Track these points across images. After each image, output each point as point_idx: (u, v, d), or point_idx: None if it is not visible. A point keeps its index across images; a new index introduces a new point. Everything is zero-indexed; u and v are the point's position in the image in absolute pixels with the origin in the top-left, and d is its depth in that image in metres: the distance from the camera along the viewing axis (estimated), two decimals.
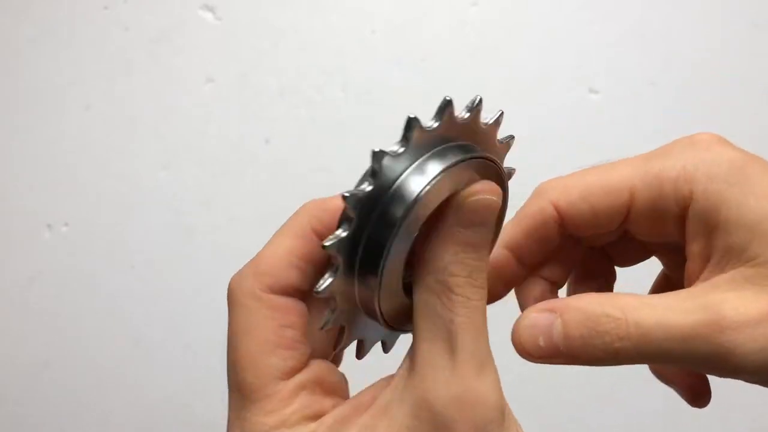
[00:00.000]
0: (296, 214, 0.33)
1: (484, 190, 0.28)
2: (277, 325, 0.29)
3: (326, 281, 0.27)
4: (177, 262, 0.90)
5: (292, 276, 0.30)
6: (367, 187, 0.27)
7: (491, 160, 0.30)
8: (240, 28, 0.90)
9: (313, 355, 0.30)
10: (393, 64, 0.87)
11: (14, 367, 0.92)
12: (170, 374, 0.90)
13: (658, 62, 0.85)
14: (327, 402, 0.29)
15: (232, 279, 0.32)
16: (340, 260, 0.27)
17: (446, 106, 0.28)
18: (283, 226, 0.32)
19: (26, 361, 0.92)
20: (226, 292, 0.32)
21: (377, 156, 0.27)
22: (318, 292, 0.27)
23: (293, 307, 0.30)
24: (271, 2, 0.90)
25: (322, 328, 0.29)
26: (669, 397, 0.38)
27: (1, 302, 0.92)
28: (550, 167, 0.81)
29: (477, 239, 0.28)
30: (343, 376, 0.32)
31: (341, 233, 0.27)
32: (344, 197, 0.27)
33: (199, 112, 0.90)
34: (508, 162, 0.33)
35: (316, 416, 0.28)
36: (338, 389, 0.31)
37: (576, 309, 0.30)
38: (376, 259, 0.27)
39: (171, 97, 0.90)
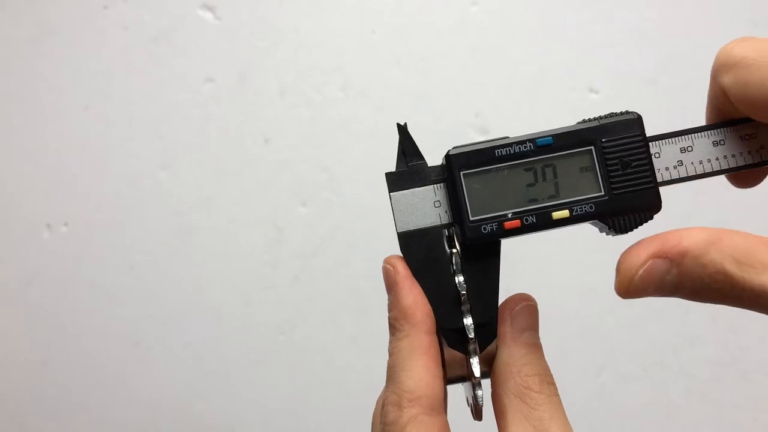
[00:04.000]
0: (404, 330, 0.34)
1: (523, 299, 0.34)
2: None
3: (481, 397, 0.33)
4: (177, 262, 0.90)
5: (441, 387, 0.32)
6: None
7: None
8: (240, 28, 0.90)
9: None
10: (393, 64, 0.87)
11: (13, 366, 0.92)
12: (170, 374, 0.90)
13: (657, 62, 0.85)
14: None
15: (386, 407, 0.33)
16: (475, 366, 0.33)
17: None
18: (402, 348, 0.33)
19: (26, 360, 0.92)
20: (381, 420, 0.33)
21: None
22: (477, 397, 0.33)
23: (448, 427, 0.32)
24: (271, 2, 0.90)
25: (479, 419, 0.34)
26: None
27: (0, 302, 0.92)
28: None
29: (534, 340, 0.33)
30: None
31: (476, 363, 0.33)
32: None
33: (199, 112, 0.90)
34: None
35: None
36: None
37: (693, 259, 0.30)
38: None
39: (171, 97, 0.90)
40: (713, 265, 0.29)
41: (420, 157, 0.35)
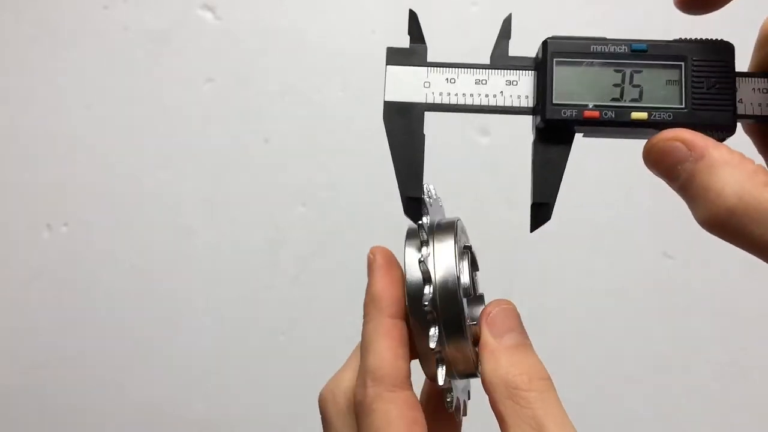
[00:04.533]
0: (371, 315, 0.35)
1: (494, 306, 0.34)
2: (410, 422, 0.32)
3: (435, 337, 0.33)
4: (177, 262, 0.90)
5: (402, 367, 0.33)
6: (430, 289, 0.34)
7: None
8: (240, 28, 0.90)
9: None
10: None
11: (14, 366, 0.92)
12: (170, 374, 0.90)
13: None
14: None
15: (335, 390, 0.36)
16: (434, 314, 0.34)
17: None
18: (368, 332, 0.35)
19: (26, 360, 0.92)
20: (331, 402, 0.36)
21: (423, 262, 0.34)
22: (432, 348, 0.33)
23: (414, 401, 0.33)
24: (271, 2, 0.90)
25: (442, 386, 0.34)
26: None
27: (1, 302, 0.92)
28: None
29: (516, 340, 0.33)
30: None
31: (428, 292, 0.34)
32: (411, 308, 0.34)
33: (199, 112, 0.90)
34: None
35: None
36: None
37: (706, 168, 0.31)
38: (458, 317, 0.34)
39: (171, 97, 0.90)
40: (719, 181, 0.30)
41: (423, 41, 0.39)
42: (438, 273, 0.34)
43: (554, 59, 0.35)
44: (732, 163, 0.30)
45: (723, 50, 0.35)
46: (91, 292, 0.90)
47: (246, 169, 0.89)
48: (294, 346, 0.88)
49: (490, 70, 0.37)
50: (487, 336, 0.34)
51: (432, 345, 0.33)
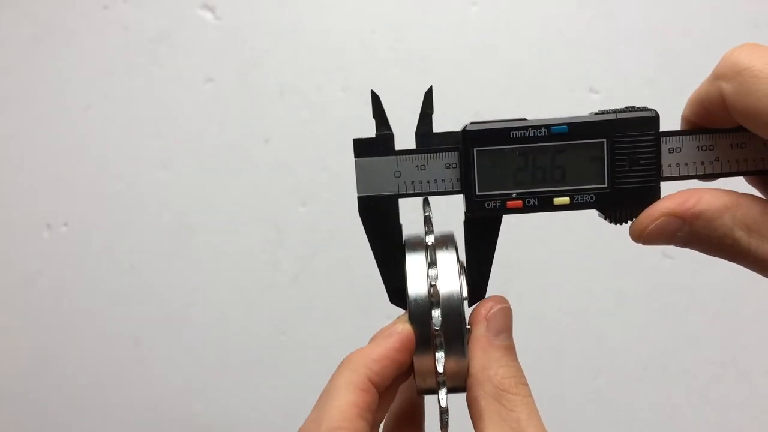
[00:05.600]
0: (346, 369, 0.34)
1: (496, 302, 0.34)
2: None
3: (445, 398, 0.34)
4: (177, 262, 0.90)
5: (361, 428, 0.31)
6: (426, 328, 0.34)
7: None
8: (240, 28, 0.90)
9: None
10: (393, 64, 0.87)
11: (14, 366, 0.92)
12: (170, 374, 0.90)
13: (657, 61, 0.85)
14: None
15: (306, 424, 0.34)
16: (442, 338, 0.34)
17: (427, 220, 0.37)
18: (336, 380, 0.33)
19: (26, 360, 0.92)
20: None
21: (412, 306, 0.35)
22: (443, 407, 0.33)
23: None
24: (271, 2, 0.90)
25: (445, 430, 0.34)
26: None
27: (1, 302, 0.92)
28: None
29: (509, 342, 0.34)
30: None
31: (440, 358, 0.34)
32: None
33: (199, 112, 0.90)
34: None
35: None
36: None
37: (705, 222, 0.31)
38: (461, 346, 0.34)
39: (171, 97, 0.90)
40: (723, 229, 0.31)
41: (388, 127, 0.37)
42: (443, 296, 0.34)
43: (474, 149, 0.35)
44: (730, 206, 0.31)
45: (647, 122, 0.34)
46: (91, 292, 0.91)
47: (246, 169, 0.89)
48: (294, 346, 0.88)
49: (428, 155, 0.36)
50: (482, 331, 0.34)
51: (440, 369, 0.33)
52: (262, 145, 0.89)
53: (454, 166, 0.36)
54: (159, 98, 0.91)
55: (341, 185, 0.88)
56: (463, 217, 0.36)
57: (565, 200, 0.34)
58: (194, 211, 0.90)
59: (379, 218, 0.36)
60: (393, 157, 0.36)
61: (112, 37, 0.91)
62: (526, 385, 0.33)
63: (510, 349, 0.34)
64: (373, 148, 0.37)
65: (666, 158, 0.34)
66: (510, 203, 0.35)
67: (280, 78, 0.89)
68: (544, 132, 0.34)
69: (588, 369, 0.85)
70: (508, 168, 0.35)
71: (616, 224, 0.35)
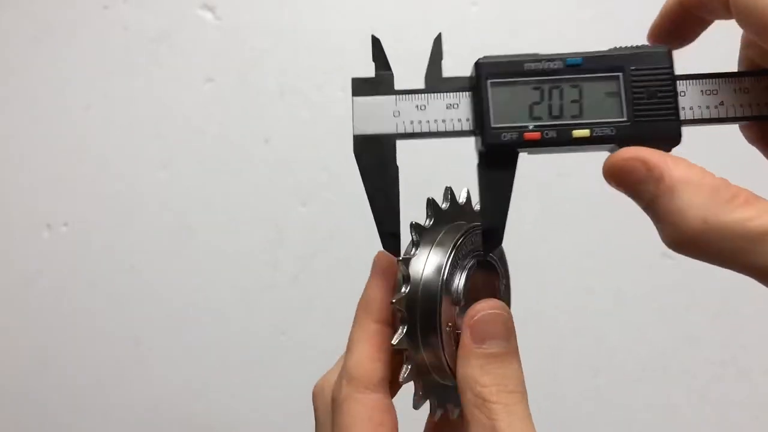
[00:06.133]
0: (358, 318, 0.37)
1: (484, 308, 0.33)
2: (376, 424, 0.33)
3: (399, 335, 0.34)
4: (177, 262, 0.90)
5: (378, 369, 0.34)
6: (406, 288, 0.34)
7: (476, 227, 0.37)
8: (240, 28, 0.90)
9: None
10: (393, 64, 0.87)
11: (14, 366, 0.92)
12: (170, 374, 0.90)
13: None
14: None
15: (324, 385, 0.37)
16: (406, 314, 0.34)
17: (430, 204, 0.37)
18: (353, 333, 0.36)
19: (26, 360, 0.92)
20: (320, 396, 0.38)
21: (404, 262, 0.35)
22: (394, 345, 0.34)
23: (384, 404, 0.34)
24: (271, 2, 0.90)
25: (400, 381, 0.34)
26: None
27: (1, 302, 0.92)
28: (550, 166, 0.81)
29: (495, 350, 0.32)
30: None
31: (403, 291, 0.34)
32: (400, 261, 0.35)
33: (199, 112, 0.90)
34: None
35: None
36: None
37: (667, 189, 0.30)
38: (432, 320, 0.34)
39: (171, 97, 0.90)
40: (686, 210, 0.29)
41: (388, 68, 0.37)
42: (424, 274, 0.34)
43: (488, 81, 0.34)
44: (693, 181, 0.29)
45: (660, 57, 0.34)
46: (91, 292, 0.91)
47: (246, 169, 0.89)
48: (294, 346, 0.88)
49: (429, 95, 0.36)
50: (465, 339, 0.33)
51: (393, 341, 0.33)
52: (262, 145, 0.89)
53: (455, 106, 0.35)
54: (159, 98, 0.91)
55: (341, 185, 0.88)
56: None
57: (585, 132, 0.33)
58: (194, 211, 0.90)
59: (375, 159, 0.35)
60: (392, 97, 0.36)
61: (112, 37, 0.91)
62: (516, 392, 0.32)
63: (496, 356, 0.32)
64: (373, 87, 0.36)
65: (690, 100, 0.33)
66: (527, 135, 0.33)
67: (280, 78, 0.89)
68: (559, 64, 0.34)
69: (587, 368, 0.85)
70: (524, 102, 0.34)
71: None
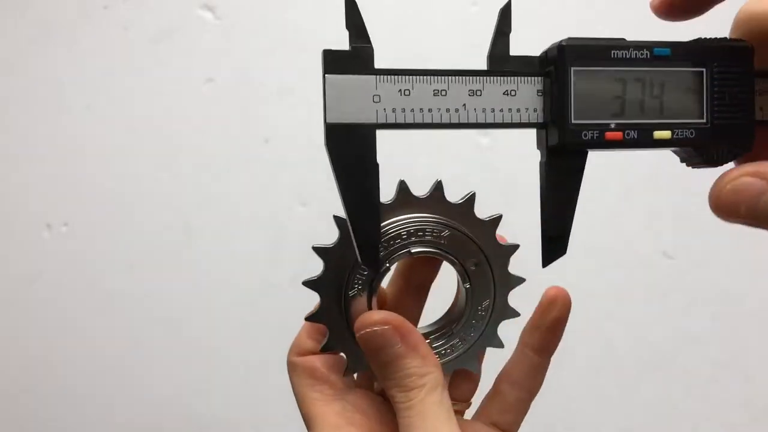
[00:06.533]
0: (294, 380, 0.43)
1: (364, 326, 0.35)
2: (308, 377, 0.40)
3: (314, 309, 0.36)
4: (177, 262, 0.90)
5: (310, 344, 0.41)
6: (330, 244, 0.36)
7: (442, 222, 0.36)
8: (240, 28, 0.90)
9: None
10: (393, 64, 0.87)
11: (14, 366, 0.92)
12: (170, 374, 0.90)
13: None
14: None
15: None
16: (322, 292, 0.36)
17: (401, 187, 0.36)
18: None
19: (26, 360, 0.92)
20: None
21: (338, 220, 0.35)
22: (306, 318, 0.37)
23: (315, 359, 0.40)
24: (271, 2, 0.90)
25: (321, 350, 0.38)
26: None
27: (1, 302, 0.92)
28: None
29: (385, 359, 0.34)
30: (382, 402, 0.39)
31: (315, 276, 0.36)
32: (314, 248, 0.37)
33: (199, 112, 0.90)
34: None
35: None
36: (374, 417, 0.38)
37: None
38: (342, 289, 0.35)
39: (171, 97, 0.90)
40: None
41: (367, 39, 0.31)
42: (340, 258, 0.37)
43: (572, 68, 0.30)
44: None
45: (743, 54, 0.31)
46: (91, 292, 0.90)
47: (246, 169, 0.89)
48: None
49: (484, 77, 0.32)
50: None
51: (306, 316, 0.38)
52: (262, 145, 0.89)
53: (512, 93, 0.31)
54: (159, 98, 0.91)
55: None
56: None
57: (666, 134, 0.31)
58: (194, 211, 0.90)
59: (351, 153, 0.30)
60: (372, 77, 0.30)
61: (112, 37, 0.91)
62: (414, 388, 0.34)
63: (387, 363, 0.34)
64: (348, 63, 0.30)
65: (757, 100, 0.31)
66: (609, 134, 0.30)
67: (280, 78, 0.89)
68: (646, 54, 0.31)
69: (587, 368, 0.85)
70: (606, 95, 0.31)
71: (710, 166, 0.32)
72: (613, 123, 0.31)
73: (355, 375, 0.39)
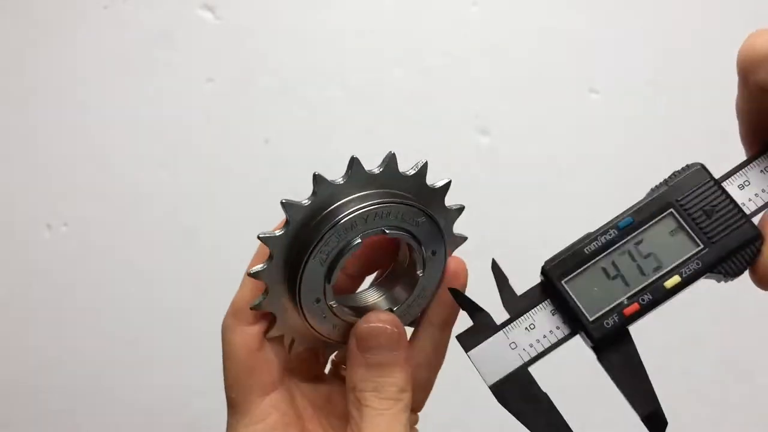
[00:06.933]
0: (253, 258, 0.40)
1: (372, 320, 0.35)
2: (252, 350, 0.36)
3: (259, 266, 0.35)
4: (177, 262, 0.90)
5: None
6: (305, 201, 0.36)
7: (419, 209, 0.36)
8: (240, 28, 0.90)
9: (293, 373, 0.39)
10: (393, 64, 0.87)
11: (14, 366, 0.92)
12: (170, 374, 0.90)
13: (657, 62, 0.85)
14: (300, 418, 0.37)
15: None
16: (272, 253, 0.36)
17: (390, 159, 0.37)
18: (246, 271, 0.39)
19: (26, 360, 0.92)
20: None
21: (317, 179, 0.36)
22: (249, 273, 0.36)
23: (259, 332, 0.37)
24: (271, 2, 0.90)
25: (251, 308, 0.37)
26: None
27: (1, 302, 0.92)
28: (550, 166, 0.81)
29: (378, 360, 0.35)
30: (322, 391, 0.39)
31: (276, 233, 0.36)
32: (282, 203, 0.37)
33: (199, 112, 0.90)
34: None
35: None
36: (316, 406, 0.38)
37: None
38: (301, 257, 0.35)
39: (171, 97, 0.90)
40: None
41: (480, 309, 0.36)
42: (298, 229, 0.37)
43: (562, 282, 0.34)
44: None
45: (697, 175, 0.34)
46: (91, 292, 0.90)
47: (246, 169, 0.89)
48: None
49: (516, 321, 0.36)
50: (351, 344, 0.36)
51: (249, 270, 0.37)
52: (262, 145, 0.89)
53: (554, 313, 0.35)
54: (159, 98, 0.91)
55: None
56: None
57: (676, 279, 0.34)
58: (194, 211, 0.90)
59: (520, 397, 0.35)
60: (500, 333, 0.35)
61: (112, 37, 0.91)
62: (389, 399, 0.34)
63: (377, 366, 0.35)
64: (477, 334, 0.35)
65: (739, 196, 0.33)
66: (627, 310, 0.34)
67: (280, 78, 0.89)
68: (614, 233, 0.34)
69: (587, 368, 0.85)
70: (604, 281, 0.34)
71: (735, 276, 0.34)
72: (624, 299, 0.34)
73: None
